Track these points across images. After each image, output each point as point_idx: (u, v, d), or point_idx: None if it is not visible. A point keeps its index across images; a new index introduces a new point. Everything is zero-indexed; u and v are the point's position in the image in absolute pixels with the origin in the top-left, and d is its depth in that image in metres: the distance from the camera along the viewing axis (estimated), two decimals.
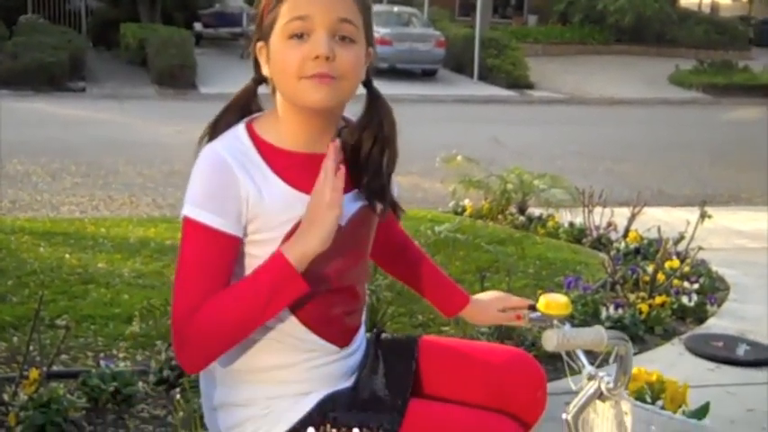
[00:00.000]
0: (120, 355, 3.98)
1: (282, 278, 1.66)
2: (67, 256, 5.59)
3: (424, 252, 2.24)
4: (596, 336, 1.75)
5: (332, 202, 1.66)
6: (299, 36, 1.68)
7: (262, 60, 1.77)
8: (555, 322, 1.93)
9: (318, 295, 1.77)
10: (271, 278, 1.66)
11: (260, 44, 1.76)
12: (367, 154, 1.82)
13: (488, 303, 2.16)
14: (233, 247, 1.71)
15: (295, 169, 1.75)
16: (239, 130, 1.77)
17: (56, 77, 17.24)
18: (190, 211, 1.69)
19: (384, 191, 1.86)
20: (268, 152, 1.74)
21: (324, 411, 1.78)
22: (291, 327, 1.78)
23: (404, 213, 1.96)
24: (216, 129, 1.80)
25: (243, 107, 1.84)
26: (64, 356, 3.87)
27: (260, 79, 1.82)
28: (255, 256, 1.73)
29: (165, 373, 3.59)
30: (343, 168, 1.67)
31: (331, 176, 1.67)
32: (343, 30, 1.69)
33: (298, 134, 1.77)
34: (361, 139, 1.81)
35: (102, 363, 3.60)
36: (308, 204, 1.69)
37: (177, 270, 1.70)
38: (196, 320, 1.65)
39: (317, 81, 1.68)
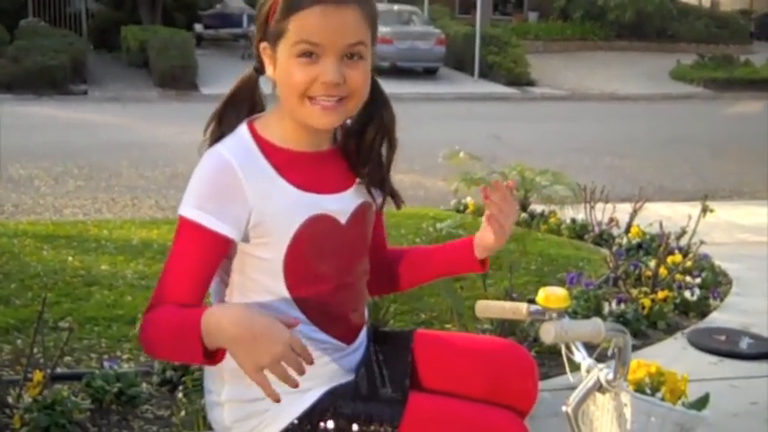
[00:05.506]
0: (124, 357, 3.99)
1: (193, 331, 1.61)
2: (70, 258, 5.60)
3: (408, 247, 2.20)
4: (594, 328, 1.76)
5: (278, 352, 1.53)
6: (308, 55, 1.68)
7: (266, 60, 1.77)
8: (553, 315, 1.94)
9: (325, 294, 1.80)
10: (188, 326, 1.62)
11: (263, 45, 1.76)
12: (369, 145, 1.84)
13: (484, 229, 2.13)
14: (223, 247, 1.72)
15: (298, 168, 1.76)
16: (242, 130, 1.77)
17: (57, 81, 17.26)
18: (187, 211, 1.72)
19: (384, 181, 1.89)
20: (271, 153, 1.75)
21: (325, 406, 1.80)
22: (301, 325, 1.78)
23: (404, 204, 1.96)
24: (220, 125, 1.80)
25: (245, 99, 1.83)
26: (68, 358, 3.89)
27: (261, 69, 1.81)
28: (263, 258, 1.75)
29: (169, 373, 3.60)
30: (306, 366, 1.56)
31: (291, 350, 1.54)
32: (352, 51, 1.70)
33: (301, 134, 1.78)
34: (364, 131, 1.84)
35: (106, 364, 3.61)
36: (263, 319, 1.55)
37: (165, 262, 1.74)
38: (147, 320, 1.71)
39: (323, 108, 1.70)
